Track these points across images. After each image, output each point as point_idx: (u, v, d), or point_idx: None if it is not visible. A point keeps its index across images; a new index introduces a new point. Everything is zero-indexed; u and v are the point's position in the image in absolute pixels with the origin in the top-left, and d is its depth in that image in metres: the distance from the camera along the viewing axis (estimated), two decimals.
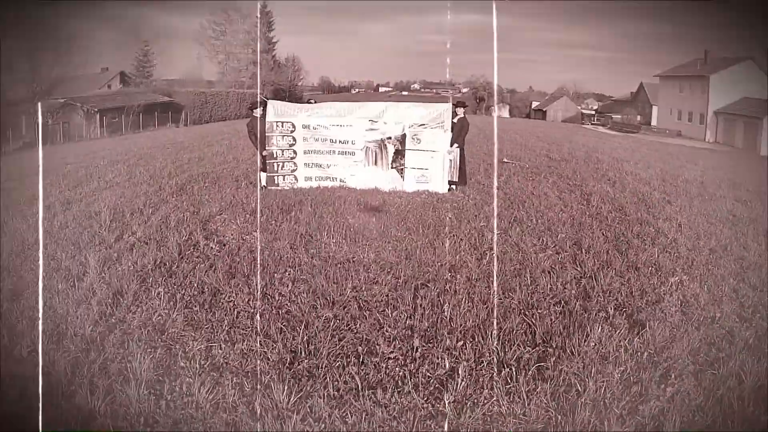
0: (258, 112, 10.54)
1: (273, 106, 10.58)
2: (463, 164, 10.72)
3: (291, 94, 50.42)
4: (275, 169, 10.65)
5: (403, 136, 10.59)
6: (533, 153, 19.32)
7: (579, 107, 59.09)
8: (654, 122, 55.77)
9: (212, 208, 8.95)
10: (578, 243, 7.51)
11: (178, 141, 24.56)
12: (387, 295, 5.34)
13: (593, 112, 58.59)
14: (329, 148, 10.66)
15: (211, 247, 6.79)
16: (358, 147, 10.63)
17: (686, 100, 49.18)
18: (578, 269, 6.42)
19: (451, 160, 10.57)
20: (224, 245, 6.99)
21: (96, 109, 37.54)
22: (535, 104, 56.91)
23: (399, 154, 10.66)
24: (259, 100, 11.20)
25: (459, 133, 10.54)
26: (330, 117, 10.59)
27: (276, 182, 10.68)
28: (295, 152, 10.64)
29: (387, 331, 4.68)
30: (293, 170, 10.71)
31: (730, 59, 46.31)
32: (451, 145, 10.51)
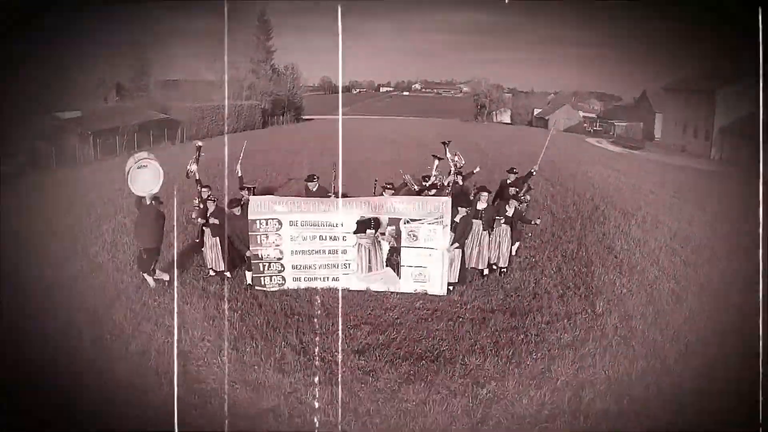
0: (237, 211, 9.81)
1: (255, 202, 9.86)
2: (463, 265, 10.01)
3: (290, 103, 49.61)
4: (261, 270, 9.95)
5: (398, 231, 9.87)
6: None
7: (580, 112, 57.71)
8: (658, 135, 54.48)
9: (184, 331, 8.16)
10: None
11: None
12: None
13: (595, 117, 57.34)
14: (319, 246, 9.96)
15: None
16: (350, 245, 9.92)
17: (691, 114, 47.97)
18: None
19: (451, 260, 9.85)
20: None
21: (89, 132, 36.71)
22: (537, 111, 55.78)
23: (394, 251, 9.95)
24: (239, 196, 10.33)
25: (462, 234, 9.84)
26: (318, 213, 9.87)
27: (263, 283, 10.00)
28: (281, 252, 9.92)
29: None
30: (280, 271, 10.00)
31: (738, 73, 44.97)
32: (451, 244, 9.79)
